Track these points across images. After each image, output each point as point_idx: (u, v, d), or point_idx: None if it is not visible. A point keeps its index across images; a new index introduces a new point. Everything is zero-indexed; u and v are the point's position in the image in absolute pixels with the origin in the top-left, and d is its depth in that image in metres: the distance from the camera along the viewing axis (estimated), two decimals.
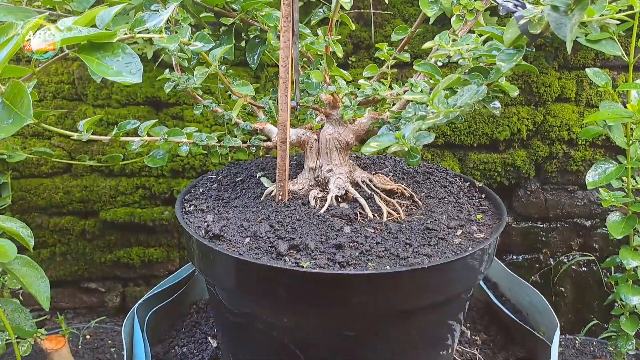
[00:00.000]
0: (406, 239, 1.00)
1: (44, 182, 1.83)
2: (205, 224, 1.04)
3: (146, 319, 1.22)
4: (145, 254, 1.91)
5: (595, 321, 1.91)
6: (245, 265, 0.93)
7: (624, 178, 1.52)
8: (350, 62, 1.73)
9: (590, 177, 1.51)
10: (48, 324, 1.98)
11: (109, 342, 1.80)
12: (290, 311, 0.97)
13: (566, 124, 1.77)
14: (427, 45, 0.98)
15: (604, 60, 1.73)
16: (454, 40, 0.95)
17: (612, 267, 1.81)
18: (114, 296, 1.97)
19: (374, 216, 1.05)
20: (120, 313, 1.99)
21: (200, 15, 1.26)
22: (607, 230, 1.87)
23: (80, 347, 1.76)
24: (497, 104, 0.93)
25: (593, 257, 1.88)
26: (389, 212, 1.06)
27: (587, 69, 1.42)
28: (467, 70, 0.92)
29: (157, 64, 1.70)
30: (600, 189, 1.48)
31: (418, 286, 0.93)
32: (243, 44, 1.28)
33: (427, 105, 0.94)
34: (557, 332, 1.14)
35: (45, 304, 1.05)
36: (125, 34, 0.87)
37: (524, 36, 0.84)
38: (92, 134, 1.64)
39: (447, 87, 0.84)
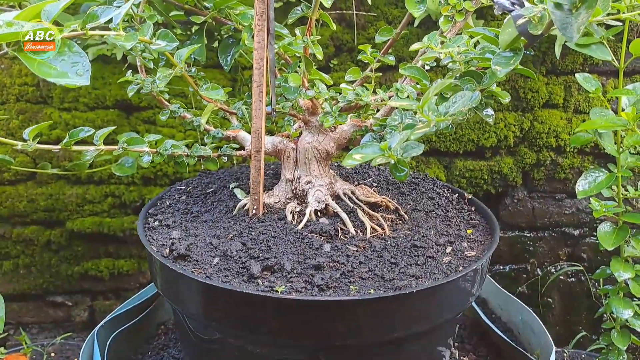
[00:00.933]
0: (391, 257, 0.92)
1: (6, 189, 1.72)
2: (170, 241, 0.95)
3: (107, 343, 1.12)
4: (115, 265, 1.81)
5: (584, 333, 1.85)
6: (212, 290, 0.83)
7: (615, 187, 1.47)
8: (331, 65, 1.65)
9: (581, 186, 1.45)
10: (11, 339, 1.87)
11: (75, 359, 1.70)
12: (262, 342, 0.88)
13: (554, 130, 1.71)
14: (414, 47, 0.90)
15: (592, 66, 1.67)
16: (442, 42, 0.87)
17: (601, 279, 1.76)
18: (82, 310, 1.87)
19: (357, 232, 0.97)
20: (88, 328, 1.89)
21: (170, 14, 1.17)
22: (596, 240, 1.82)
23: None
24: (490, 111, 0.85)
25: (581, 267, 1.82)
26: (372, 228, 0.98)
27: (577, 75, 1.36)
28: (458, 75, 0.84)
29: (127, 65, 1.60)
30: (591, 198, 1.42)
31: (405, 312, 0.84)
32: (217, 44, 1.19)
33: (415, 113, 0.86)
34: (553, 355, 1.07)
35: None
36: (75, 30, 0.77)
37: (522, 37, 0.76)
38: (56, 140, 1.54)
39: (437, 93, 0.75)
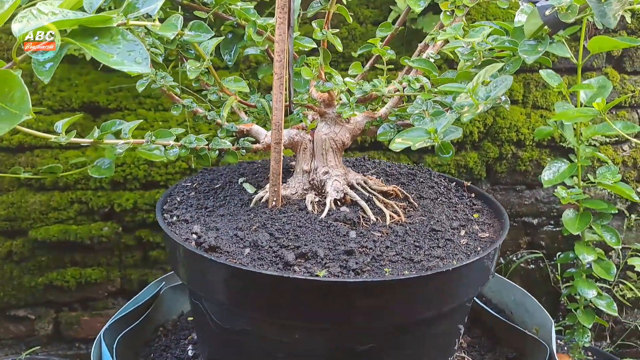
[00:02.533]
0: (414, 241, 0.95)
1: None
2: (195, 235, 0.94)
3: (114, 346, 1.09)
4: (82, 275, 1.75)
5: None
6: (253, 277, 0.84)
7: (575, 176, 1.57)
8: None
9: (546, 176, 1.54)
10: None
11: None
12: (302, 328, 0.89)
13: (514, 125, 1.80)
14: (441, 37, 0.94)
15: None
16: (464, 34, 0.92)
17: (560, 265, 1.86)
18: (46, 323, 1.79)
19: (377, 219, 1.00)
20: (53, 342, 1.81)
21: (167, 10, 1.16)
22: (554, 228, 1.94)
23: None
24: (506, 97, 0.91)
25: (541, 254, 1.92)
26: (390, 215, 1.01)
27: (541, 71, 1.45)
28: (479, 64, 0.89)
29: (100, 67, 1.57)
30: (558, 187, 1.51)
31: (439, 290, 0.88)
32: None
33: (434, 102, 0.90)
34: (553, 328, 1.13)
35: None
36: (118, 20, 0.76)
37: (546, 27, 0.82)
38: (17, 145, 1.47)
39: (485, 78, 0.79)
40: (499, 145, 1.82)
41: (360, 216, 0.99)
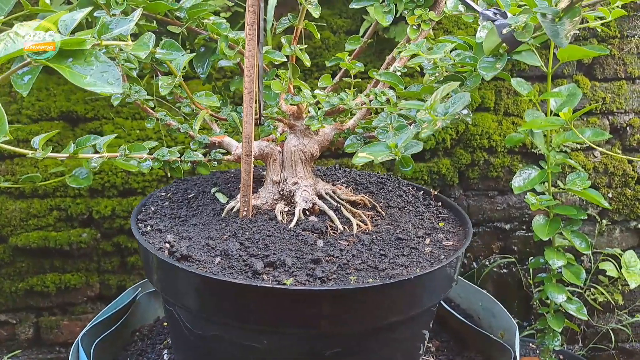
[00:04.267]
0: (380, 250, 0.99)
1: None
2: (167, 244, 0.97)
3: (91, 350, 1.12)
4: (62, 280, 1.77)
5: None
6: (223, 286, 0.87)
7: (546, 182, 1.61)
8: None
9: (517, 182, 1.57)
10: None
11: None
12: (269, 333, 0.92)
13: (486, 132, 1.85)
14: (405, 53, 0.98)
15: (519, 71, 1.82)
16: (430, 48, 0.96)
17: (532, 269, 1.91)
18: (27, 328, 1.81)
19: (344, 228, 1.03)
20: (34, 346, 1.83)
21: (140, 22, 1.18)
22: (525, 233, 1.99)
23: None
24: (467, 110, 0.94)
25: (513, 259, 1.97)
26: (357, 224, 1.04)
27: (512, 79, 1.49)
28: (441, 79, 0.92)
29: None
30: (528, 193, 1.55)
31: (403, 297, 0.92)
32: None
33: (399, 115, 0.94)
34: (517, 333, 1.17)
35: None
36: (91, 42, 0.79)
37: (504, 44, 0.86)
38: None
39: (444, 95, 0.83)
40: (471, 152, 1.86)
41: (328, 225, 1.02)
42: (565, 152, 1.90)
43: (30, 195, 1.70)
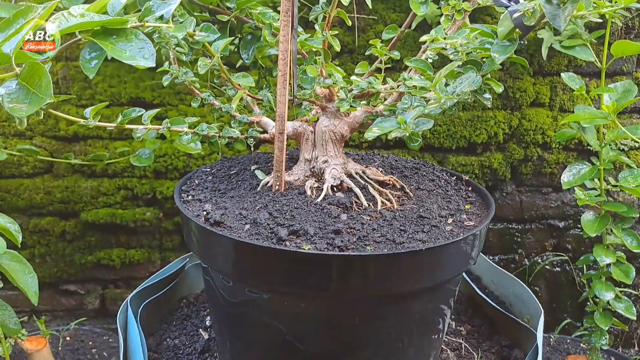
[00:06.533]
0: (400, 225, 1.04)
1: (24, 182, 1.82)
2: (205, 212, 1.06)
3: (139, 311, 1.23)
4: (126, 255, 1.91)
5: (569, 320, 1.97)
6: (249, 249, 0.95)
7: (597, 179, 1.59)
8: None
9: (566, 177, 1.58)
10: (25, 326, 1.95)
11: (90, 343, 1.79)
12: (289, 295, 0.99)
13: (540, 127, 1.84)
14: (424, 38, 1.03)
15: (576, 67, 1.81)
16: (445, 37, 1.00)
17: (583, 266, 1.88)
18: (93, 298, 1.96)
19: (369, 205, 1.09)
20: (99, 316, 1.98)
21: (195, 14, 1.28)
22: (580, 231, 1.96)
23: (60, 348, 1.75)
24: (488, 95, 0.98)
25: (566, 258, 1.95)
26: (382, 202, 1.09)
27: (562, 74, 1.49)
28: (460, 63, 0.96)
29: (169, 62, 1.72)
30: (575, 188, 1.54)
31: (414, 268, 0.96)
32: (237, 42, 1.31)
33: (423, 98, 0.98)
34: (542, 318, 1.19)
35: (34, 298, 1.06)
36: (135, 22, 0.89)
37: (517, 29, 0.89)
38: (72, 135, 1.64)
39: (446, 74, 0.88)
40: (524, 147, 1.86)
41: (353, 201, 1.08)
42: (623, 150, 1.87)
43: (101, 175, 1.84)
